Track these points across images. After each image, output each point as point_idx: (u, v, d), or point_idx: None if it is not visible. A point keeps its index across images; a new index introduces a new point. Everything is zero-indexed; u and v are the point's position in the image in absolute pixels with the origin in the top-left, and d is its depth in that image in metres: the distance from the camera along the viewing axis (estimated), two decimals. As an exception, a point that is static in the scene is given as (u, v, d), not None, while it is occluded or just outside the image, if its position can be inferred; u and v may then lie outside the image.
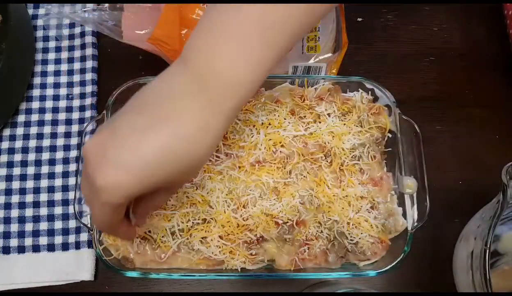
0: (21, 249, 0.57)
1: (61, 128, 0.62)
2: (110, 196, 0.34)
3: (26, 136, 0.62)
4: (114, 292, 0.57)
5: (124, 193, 0.35)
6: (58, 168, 0.61)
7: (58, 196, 0.59)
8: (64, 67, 0.65)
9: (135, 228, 0.42)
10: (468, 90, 0.65)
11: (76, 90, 0.64)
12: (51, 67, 0.65)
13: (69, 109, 0.63)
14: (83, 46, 0.66)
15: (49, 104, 0.64)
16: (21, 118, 0.63)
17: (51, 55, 0.66)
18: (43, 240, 0.58)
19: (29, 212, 0.59)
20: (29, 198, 0.59)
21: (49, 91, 0.64)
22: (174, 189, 0.42)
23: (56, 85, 0.65)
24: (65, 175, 0.60)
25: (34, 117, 0.63)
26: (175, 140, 0.34)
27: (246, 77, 0.36)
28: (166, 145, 0.34)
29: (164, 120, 0.35)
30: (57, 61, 0.66)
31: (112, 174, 0.34)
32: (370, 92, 0.58)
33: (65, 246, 0.57)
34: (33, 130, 0.62)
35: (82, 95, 0.64)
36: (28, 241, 0.58)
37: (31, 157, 0.61)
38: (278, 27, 0.36)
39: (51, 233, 0.58)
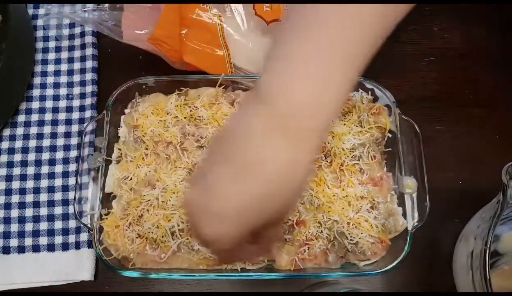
0: (21, 249, 0.57)
1: (61, 128, 0.62)
2: (218, 244, 0.35)
3: (26, 136, 0.62)
4: (114, 292, 0.57)
5: (229, 240, 0.35)
6: (58, 168, 0.61)
7: (58, 196, 0.59)
8: (64, 67, 0.65)
9: (253, 249, 0.42)
10: (468, 90, 0.65)
11: (76, 90, 0.64)
12: (51, 67, 0.65)
13: (69, 109, 0.63)
14: (83, 46, 0.66)
15: (49, 104, 0.64)
16: (21, 118, 0.63)
17: (51, 55, 0.66)
18: (43, 240, 0.58)
19: (29, 212, 0.59)
20: (29, 198, 0.59)
21: (49, 91, 0.64)
22: (280, 222, 0.42)
23: (56, 85, 0.65)
24: (65, 175, 0.60)
25: (34, 117, 0.63)
26: (265, 186, 0.33)
27: (331, 105, 0.34)
28: (256, 192, 0.33)
29: (250, 168, 0.33)
30: (57, 61, 0.66)
31: (214, 228, 0.34)
32: (370, 92, 0.58)
33: (65, 246, 0.57)
34: (33, 130, 0.62)
35: (82, 95, 0.64)
36: (28, 241, 0.58)
37: (31, 157, 0.61)
38: (357, 47, 0.35)
39: (51, 233, 0.58)
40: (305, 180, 0.35)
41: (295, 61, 0.34)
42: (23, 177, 0.60)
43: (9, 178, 0.60)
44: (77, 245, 0.57)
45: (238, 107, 0.36)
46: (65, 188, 0.60)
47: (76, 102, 0.64)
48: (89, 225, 0.52)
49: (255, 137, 0.34)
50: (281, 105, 0.33)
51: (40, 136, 0.62)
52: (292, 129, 0.33)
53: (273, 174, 0.33)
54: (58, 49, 0.66)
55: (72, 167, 0.61)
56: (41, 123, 0.63)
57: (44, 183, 0.60)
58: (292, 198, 0.36)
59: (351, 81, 0.35)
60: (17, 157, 0.61)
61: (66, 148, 0.61)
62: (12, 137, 0.62)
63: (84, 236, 0.57)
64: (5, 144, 0.62)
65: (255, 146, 0.34)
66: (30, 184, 0.60)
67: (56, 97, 0.64)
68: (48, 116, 0.63)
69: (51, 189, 0.60)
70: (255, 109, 0.34)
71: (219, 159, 0.35)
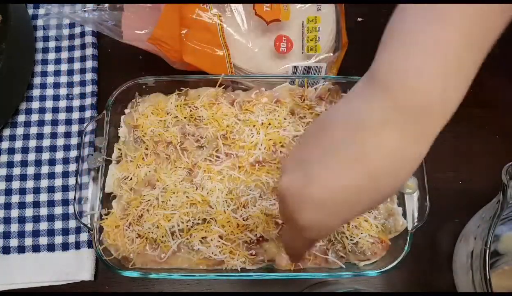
0: (21, 249, 0.57)
1: (61, 128, 0.62)
2: (312, 234, 0.35)
3: (26, 136, 0.62)
4: (114, 292, 0.57)
5: (324, 231, 0.36)
6: (58, 168, 0.61)
7: (58, 196, 0.59)
8: (64, 67, 0.65)
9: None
10: (468, 90, 0.65)
11: (76, 90, 0.64)
12: (51, 67, 0.65)
13: (69, 109, 0.63)
14: (83, 46, 0.66)
15: (49, 104, 0.64)
16: (21, 118, 0.63)
17: (51, 55, 0.66)
18: (43, 240, 0.58)
19: (29, 212, 0.59)
20: (29, 198, 0.59)
21: (49, 91, 0.64)
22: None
23: (56, 85, 0.65)
24: (65, 175, 0.60)
25: (34, 117, 0.63)
26: (371, 179, 0.32)
27: (456, 101, 0.33)
28: (361, 185, 0.32)
29: (358, 159, 0.32)
30: (57, 61, 0.66)
31: (311, 215, 0.34)
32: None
33: (65, 246, 0.57)
34: (33, 130, 0.62)
35: (82, 95, 0.64)
36: (28, 241, 0.58)
37: (31, 157, 0.61)
38: (480, 37, 0.33)
39: (51, 233, 0.58)
40: (405, 181, 0.34)
41: (420, 50, 0.31)
42: (23, 177, 0.60)
43: (9, 178, 0.60)
44: (77, 245, 0.57)
45: (350, 94, 0.34)
46: (65, 188, 0.60)
47: (76, 102, 0.64)
48: (89, 225, 0.52)
49: (368, 128, 0.32)
50: (403, 95, 0.31)
51: (40, 136, 0.62)
52: (411, 123, 0.31)
53: (381, 168, 0.32)
54: (58, 49, 0.66)
55: (72, 167, 0.61)
56: (41, 123, 0.63)
57: (44, 183, 0.60)
58: (392, 192, 0.34)
59: (474, 74, 0.33)
60: (17, 157, 0.61)
61: (66, 148, 0.62)
62: (12, 137, 0.62)
63: (84, 236, 0.58)
64: (5, 145, 0.62)
65: (366, 137, 0.32)
66: (30, 184, 0.60)
67: (56, 97, 0.64)
68: (48, 116, 0.63)
69: (51, 189, 0.60)
70: (371, 96, 0.32)
71: (323, 146, 0.34)
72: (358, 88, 0.34)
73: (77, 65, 0.65)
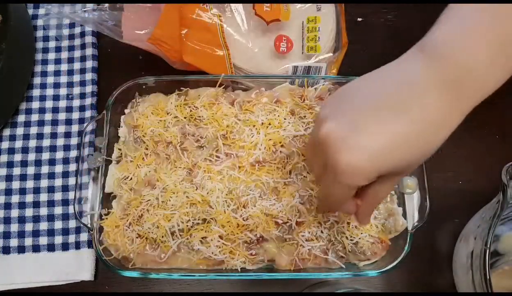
0: (21, 249, 0.57)
1: (61, 128, 0.62)
2: (350, 178, 0.37)
3: (26, 136, 0.62)
4: (114, 292, 0.57)
5: (363, 176, 0.37)
6: (58, 168, 0.61)
7: (58, 196, 0.59)
8: (64, 67, 0.65)
9: (354, 202, 0.43)
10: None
11: (76, 90, 0.64)
12: (51, 67, 0.65)
13: (69, 109, 0.63)
14: (83, 46, 0.66)
15: (49, 104, 0.64)
16: (21, 118, 0.63)
17: (51, 55, 0.66)
18: (43, 240, 0.58)
19: (29, 212, 0.59)
20: (29, 198, 0.59)
21: (49, 91, 0.64)
22: (397, 179, 0.43)
23: (56, 85, 0.65)
24: (65, 175, 0.60)
25: (34, 117, 0.63)
26: (412, 132, 0.35)
27: (503, 73, 0.36)
28: (403, 134, 0.35)
29: (404, 110, 0.35)
30: (57, 61, 0.66)
31: (353, 159, 0.36)
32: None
33: (65, 246, 0.57)
34: (33, 130, 0.62)
35: (82, 95, 0.64)
36: (28, 241, 0.58)
37: (31, 157, 0.61)
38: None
39: (51, 233, 0.58)
40: (439, 145, 0.37)
41: (472, 28, 0.35)
42: (23, 177, 0.60)
43: (9, 178, 0.60)
44: (77, 245, 0.57)
45: (403, 57, 0.38)
46: (65, 188, 0.60)
47: (76, 102, 0.64)
48: (89, 225, 0.52)
49: (417, 86, 0.35)
50: (452, 64, 0.35)
51: (40, 136, 0.62)
52: (455, 90, 0.35)
53: (423, 124, 0.35)
54: (58, 49, 0.66)
55: (72, 167, 0.61)
56: (41, 123, 0.63)
57: (44, 183, 0.60)
58: (423, 156, 0.37)
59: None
60: (17, 157, 0.61)
61: (66, 148, 0.62)
62: (12, 137, 0.62)
63: (84, 236, 0.58)
64: (5, 145, 0.62)
65: (415, 93, 0.35)
66: (30, 184, 0.60)
67: (56, 97, 0.64)
68: (48, 116, 0.63)
69: (51, 189, 0.60)
70: (421, 61, 0.36)
71: (369, 98, 0.37)
72: (407, 55, 0.38)
73: (77, 65, 0.65)
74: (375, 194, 0.41)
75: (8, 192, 0.60)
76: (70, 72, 0.65)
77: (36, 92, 0.64)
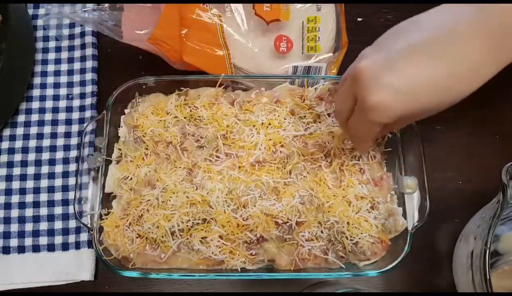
0: (21, 249, 0.57)
1: (61, 128, 0.62)
2: (378, 115, 0.38)
3: (26, 136, 0.62)
4: (114, 292, 0.57)
5: (391, 114, 0.38)
6: (58, 168, 0.61)
7: (58, 196, 0.59)
8: (64, 67, 0.66)
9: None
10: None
11: (76, 90, 0.64)
12: (51, 67, 0.66)
13: (69, 109, 0.63)
14: (83, 46, 0.66)
15: (49, 104, 0.64)
16: (21, 118, 0.63)
17: (51, 55, 0.66)
18: (43, 240, 0.58)
19: (29, 212, 0.59)
20: (29, 198, 0.59)
21: (49, 91, 0.64)
22: (414, 119, 0.45)
23: (56, 85, 0.65)
24: (65, 175, 0.60)
25: (34, 117, 0.63)
26: (446, 77, 0.37)
27: None
28: (435, 79, 0.37)
29: (441, 55, 0.36)
30: (57, 61, 0.66)
31: (384, 97, 0.37)
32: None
33: (65, 246, 0.57)
34: (33, 130, 0.62)
35: (82, 95, 0.64)
36: (28, 241, 0.58)
37: (31, 157, 0.61)
38: None
39: (51, 233, 0.58)
40: (468, 94, 0.38)
41: None
42: (23, 177, 0.60)
43: (9, 178, 0.60)
44: (77, 245, 0.57)
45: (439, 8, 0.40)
46: (65, 188, 0.60)
47: (76, 102, 0.64)
48: (89, 225, 0.52)
49: (460, 31, 0.36)
50: (500, 10, 0.36)
51: (40, 136, 0.62)
52: (498, 37, 0.36)
53: (457, 70, 0.36)
54: (58, 49, 0.66)
55: (72, 167, 0.61)
56: (41, 123, 0.63)
57: (44, 183, 0.60)
58: (453, 101, 0.39)
59: None
60: (17, 157, 0.61)
61: (66, 148, 0.62)
62: (12, 137, 0.62)
63: (84, 236, 0.58)
64: (5, 145, 0.62)
65: (454, 42, 0.36)
66: (30, 184, 0.60)
67: (56, 97, 0.64)
68: (48, 116, 0.63)
69: (51, 189, 0.60)
70: (466, 11, 0.37)
71: (409, 41, 0.38)
72: (450, 6, 0.39)
73: (77, 65, 0.65)
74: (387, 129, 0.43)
75: (8, 192, 0.60)
76: (70, 72, 0.65)
77: (36, 92, 0.64)
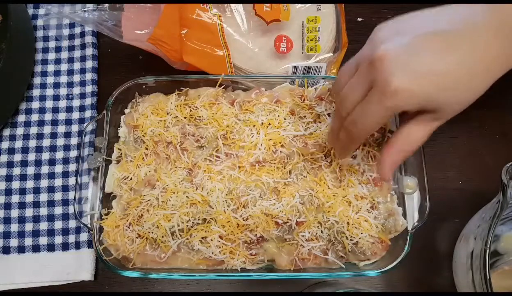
0: (21, 249, 0.57)
1: (61, 128, 0.62)
2: (397, 100, 0.38)
3: (26, 136, 0.62)
4: (114, 292, 0.57)
5: (413, 101, 0.38)
6: (58, 168, 0.61)
7: (58, 196, 0.59)
8: (64, 67, 0.66)
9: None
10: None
11: (76, 90, 0.64)
12: (51, 67, 0.66)
13: (69, 109, 0.63)
14: (83, 46, 0.66)
15: (49, 104, 0.64)
16: (21, 118, 0.63)
17: (51, 55, 0.66)
18: (43, 240, 0.58)
19: (29, 212, 0.59)
20: (29, 198, 0.59)
21: (49, 91, 0.64)
22: (434, 126, 0.44)
23: (56, 85, 0.65)
24: (65, 175, 0.60)
25: (34, 117, 0.63)
26: (463, 65, 0.38)
27: None
28: (455, 69, 0.37)
29: (460, 48, 0.37)
30: (57, 61, 0.66)
31: (409, 82, 0.37)
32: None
33: (65, 246, 0.57)
34: (33, 130, 0.62)
35: (82, 95, 0.64)
36: (28, 241, 0.58)
37: (31, 157, 0.61)
38: None
39: (51, 233, 0.58)
40: (486, 88, 0.40)
41: None
42: (23, 177, 0.60)
43: (9, 178, 0.60)
44: (77, 245, 0.57)
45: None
46: (65, 188, 0.60)
47: (76, 102, 0.64)
48: (89, 225, 0.52)
49: (477, 26, 0.38)
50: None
51: (40, 136, 0.62)
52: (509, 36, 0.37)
53: (474, 60, 0.37)
54: (58, 49, 0.66)
55: (72, 167, 0.61)
56: (41, 123, 0.63)
57: (44, 183, 0.60)
58: (471, 95, 0.40)
59: None
60: (17, 157, 0.61)
61: (66, 148, 0.62)
62: (12, 137, 0.62)
63: (84, 236, 0.58)
64: (5, 145, 0.62)
65: (472, 33, 0.38)
66: (30, 184, 0.60)
67: (56, 97, 0.64)
68: (48, 116, 0.63)
69: (51, 189, 0.60)
70: (480, 9, 0.38)
71: (431, 31, 0.39)
72: (462, 5, 0.39)
73: (77, 65, 0.65)
74: (407, 134, 0.42)
75: (8, 192, 0.60)
76: (70, 72, 0.65)
77: (36, 92, 0.64)
